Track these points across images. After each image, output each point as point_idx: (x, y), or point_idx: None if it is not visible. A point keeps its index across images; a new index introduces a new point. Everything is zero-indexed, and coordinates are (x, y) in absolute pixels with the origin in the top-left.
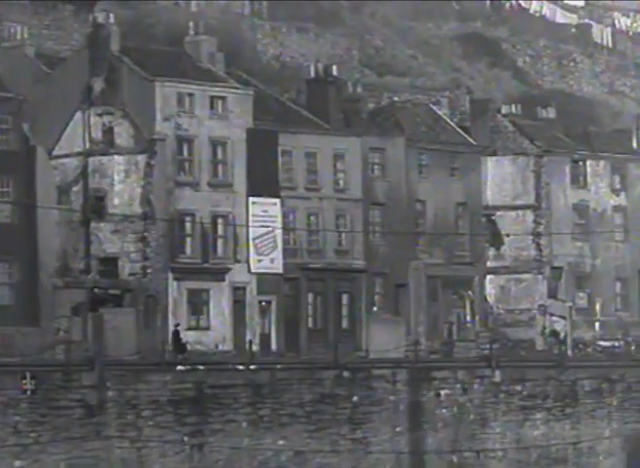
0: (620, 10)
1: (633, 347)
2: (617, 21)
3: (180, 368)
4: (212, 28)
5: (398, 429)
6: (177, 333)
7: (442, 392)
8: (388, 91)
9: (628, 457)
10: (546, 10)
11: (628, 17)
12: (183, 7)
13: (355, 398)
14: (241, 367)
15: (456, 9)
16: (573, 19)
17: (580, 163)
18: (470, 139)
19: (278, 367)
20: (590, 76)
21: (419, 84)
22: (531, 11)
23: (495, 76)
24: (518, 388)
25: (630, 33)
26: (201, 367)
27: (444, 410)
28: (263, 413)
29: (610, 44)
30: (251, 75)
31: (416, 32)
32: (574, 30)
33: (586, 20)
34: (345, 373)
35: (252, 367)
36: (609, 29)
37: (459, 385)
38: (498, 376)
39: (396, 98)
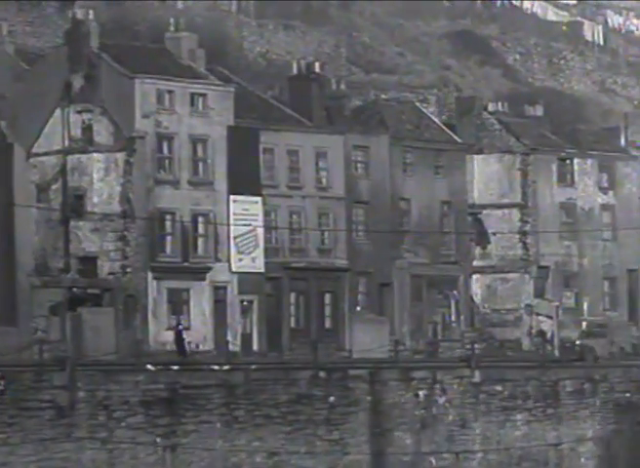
0: (613, 8)
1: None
2: (609, 19)
3: (149, 367)
4: (197, 26)
5: (376, 430)
6: (180, 333)
7: (420, 393)
8: (376, 88)
9: (600, 460)
10: (538, 7)
11: (621, 14)
12: (170, 5)
13: (332, 398)
14: (216, 367)
15: (446, 6)
16: (564, 16)
17: (568, 161)
18: (455, 137)
19: (252, 367)
20: (581, 74)
21: (406, 82)
22: (522, 8)
23: (484, 74)
24: (498, 388)
25: (623, 31)
26: (175, 367)
27: (422, 411)
28: (238, 414)
29: (601, 42)
30: (236, 72)
31: (405, 30)
32: (565, 28)
33: (578, 18)
34: (321, 374)
35: (225, 367)
36: (600, 27)
37: (437, 386)
38: (477, 377)
39: (383, 96)
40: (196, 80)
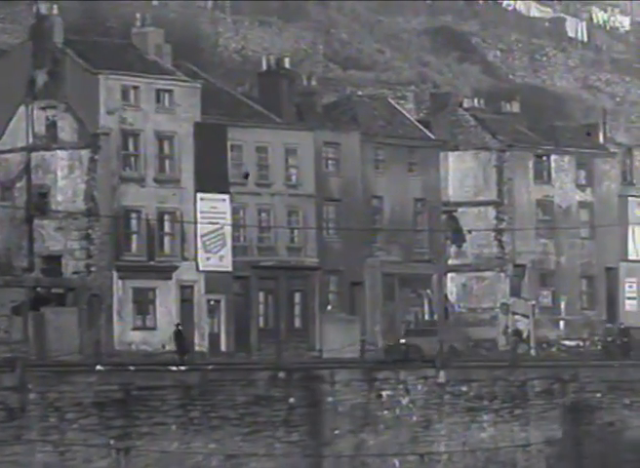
0: (598, 4)
1: (599, 347)
2: (594, 16)
3: (99, 368)
4: (172, 22)
5: (337, 432)
6: (179, 333)
7: (384, 393)
8: (352, 85)
9: (549, 463)
10: (520, 4)
11: (605, 11)
12: (144, 1)
13: (291, 399)
14: (173, 367)
15: (428, 4)
16: (547, 12)
17: (545, 158)
18: (429, 134)
19: (209, 367)
20: (563, 71)
21: (384, 78)
22: (503, 5)
23: (463, 71)
24: (464, 389)
25: (607, 28)
26: (131, 367)
27: (386, 412)
28: (194, 416)
29: (585, 38)
30: (211, 69)
31: (384, 26)
32: (547, 24)
33: (561, 15)
34: (281, 374)
35: (182, 367)
36: (584, 23)
37: (401, 386)
38: (442, 377)
39: (360, 93)
40: (162, 76)
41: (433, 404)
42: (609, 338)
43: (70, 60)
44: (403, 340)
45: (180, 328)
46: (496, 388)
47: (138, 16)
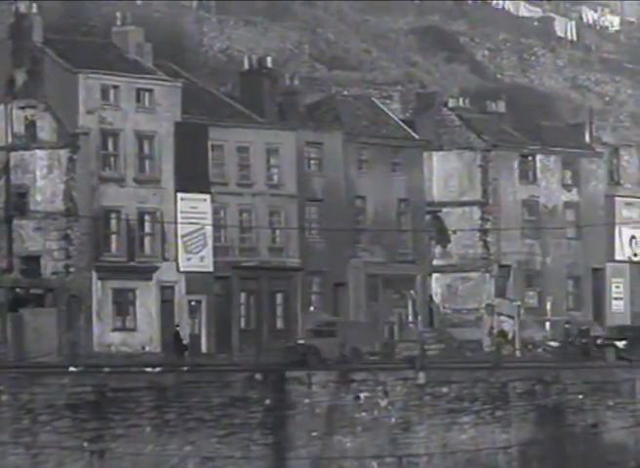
0: (588, 3)
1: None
2: (583, 15)
3: (72, 369)
4: (156, 22)
5: (314, 434)
6: (177, 334)
7: (361, 395)
8: (338, 85)
9: (530, 465)
10: (509, 3)
11: (595, 10)
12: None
13: (268, 401)
14: (149, 369)
15: (415, 3)
16: (536, 12)
17: (530, 157)
18: (413, 134)
19: (184, 368)
20: (552, 70)
21: (370, 78)
22: (492, 4)
23: (451, 70)
24: (444, 390)
25: (597, 27)
26: (106, 368)
27: (364, 414)
28: (169, 418)
29: (574, 38)
30: (195, 69)
31: (371, 26)
32: (536, 24)
33: (550, 14)
34: (257, 376)
35: (157, 369)
36: (573, 23)
37: (380, 388)
38: (422, 378)
39: (346, 92)
40: (142, 75)
41: (413, 405)
42: (569, 339)
43: (50, 60)
44: (301, 341)
45: (178, 328)
46: (476, 390)
47: (118, 15)
